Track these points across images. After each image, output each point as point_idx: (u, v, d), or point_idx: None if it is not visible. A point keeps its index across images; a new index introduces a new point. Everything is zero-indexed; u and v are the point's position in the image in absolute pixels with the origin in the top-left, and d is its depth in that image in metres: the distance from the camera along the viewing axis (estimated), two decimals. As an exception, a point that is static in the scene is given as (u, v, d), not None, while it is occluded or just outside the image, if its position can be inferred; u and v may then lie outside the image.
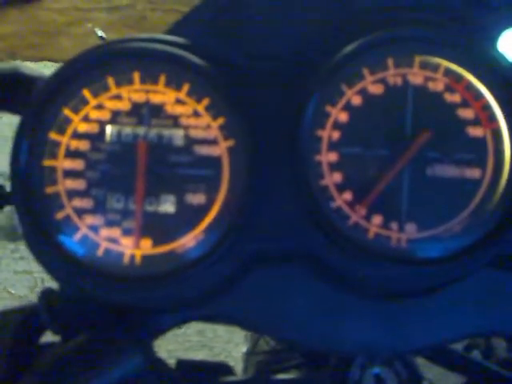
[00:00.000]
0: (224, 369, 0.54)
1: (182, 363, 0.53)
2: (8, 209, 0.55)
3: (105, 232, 0.44)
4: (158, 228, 0.44)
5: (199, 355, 1.65)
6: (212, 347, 1.69)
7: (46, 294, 0.47)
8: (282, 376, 0.65)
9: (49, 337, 0.48)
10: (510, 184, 0.43)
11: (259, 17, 0.47)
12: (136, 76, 0.45)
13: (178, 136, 0.44)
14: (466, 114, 0.44)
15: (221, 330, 1.68)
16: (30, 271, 1.80)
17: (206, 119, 0.44)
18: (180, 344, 1.64)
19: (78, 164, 0.44)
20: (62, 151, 0.44)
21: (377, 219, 0.44)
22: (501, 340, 0.83)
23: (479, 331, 0.47)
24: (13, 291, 1.81)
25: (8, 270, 1.85)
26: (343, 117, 0.44)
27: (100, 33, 1.96)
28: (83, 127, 0.44)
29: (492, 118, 0.44)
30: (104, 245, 0.44)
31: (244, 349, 0.99)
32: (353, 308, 0.46)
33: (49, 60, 2.40)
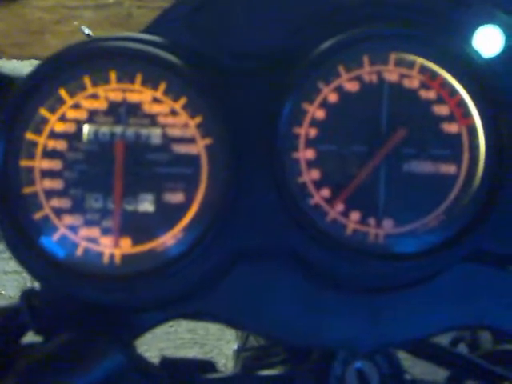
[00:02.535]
0: (208, 366, 0.54)
1: (165, 361, 0.53)
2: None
3: (84, 232, 0.44)
4: (138, 227, 0.44)
5: (191, 353, 1.65)
6: (203, 344, 1.69)
7: (28, 294, 0.47)
8: (266, 372, 0.65)
9: (30, 337, 0.48)
10: (485, 179, 0.44)
11: (236, 15, 0.47)
12: (112, 75, 0.44)
13: (155, 135, 0.44)
14: (442, 110, 0.44)
15: (212, 328, 1.68)
16: (20, 271, 1.78)
17: (183, 118, 0.44)
18: (171, 342, 1.64)
19: (55, 164, 0.44)
20: (39, 151, 0.44)
21: (355, 215, 0.44)
22: (486, 333, 0.84)
23: (460, 324, 0.48)
24: (3, 292, 1.80)
25: (-3, 270, 1.84)
26: (320, 114, 0.44)
27: (87, 31, 1.95)
28: (60, 127, 0.44)
29: (467, 114, 0.44)
30: (83, 244, 0.44)
31: (235, 346, 0.99)
32: (334, 303, 0.46)
33: (35, 58, 2.38)
